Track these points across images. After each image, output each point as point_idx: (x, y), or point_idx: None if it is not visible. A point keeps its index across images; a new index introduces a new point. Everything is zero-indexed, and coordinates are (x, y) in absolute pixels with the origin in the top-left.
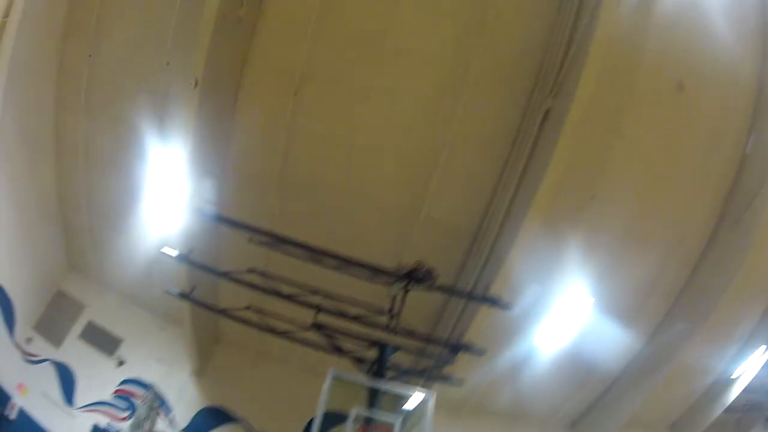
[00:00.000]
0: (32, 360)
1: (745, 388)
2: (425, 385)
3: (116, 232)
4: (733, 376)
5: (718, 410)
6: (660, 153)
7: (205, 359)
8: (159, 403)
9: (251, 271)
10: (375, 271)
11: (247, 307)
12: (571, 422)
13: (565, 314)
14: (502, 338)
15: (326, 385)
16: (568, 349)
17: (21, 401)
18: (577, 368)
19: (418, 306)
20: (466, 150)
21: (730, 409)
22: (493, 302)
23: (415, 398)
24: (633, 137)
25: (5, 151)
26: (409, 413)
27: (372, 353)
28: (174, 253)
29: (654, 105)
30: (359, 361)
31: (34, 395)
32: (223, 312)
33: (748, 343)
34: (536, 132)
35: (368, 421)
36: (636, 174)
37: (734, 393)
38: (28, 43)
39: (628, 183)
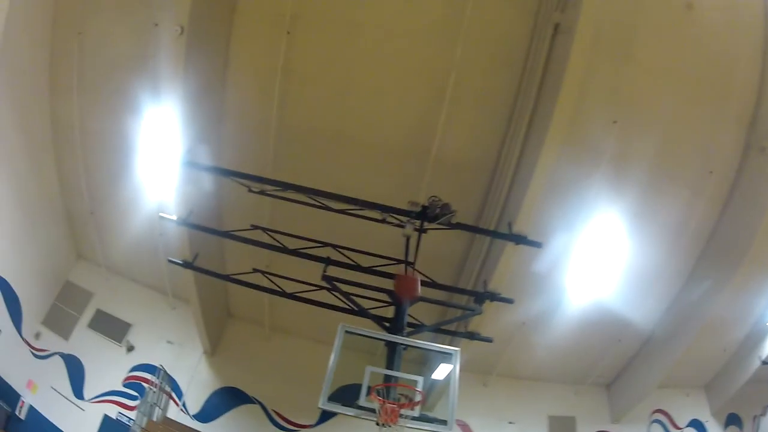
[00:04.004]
0: (41, 355)
1: None
2: (452, 344)
3: (117, 211)
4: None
5: (754, 364)
6: (677, 78)
7: (217, 337)
8: (170, 387)
9: (254, 227)
10: (386, 211)
11: (254, 270)
12: (607, 383)
13: (595, 258)
14: (530, 289)
15: (337, 341)
16: (600, 302)
17: (31, 399)
18: (610, 323)
19: (439, 256)
20: (474, 79)
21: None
22: (517, 239)
23: (439, 355)
24: (646, 61)
25: (5, 143)
26: (433, 370)
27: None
28: (173, 217)
29: (664, 26)
30: (380, 321)
31: (44, 391)
32: (228, 277)
33: None
34: (547, 51)
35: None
36: (656, 100)
37: None
38: (19, 32)
39: (650, 110)
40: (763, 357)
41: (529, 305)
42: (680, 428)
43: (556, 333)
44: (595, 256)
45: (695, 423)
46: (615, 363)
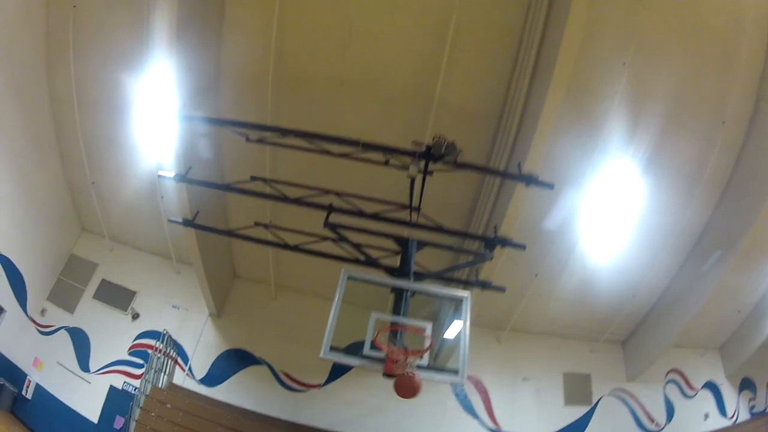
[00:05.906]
0: (46, 332)
1: None
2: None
3: (119, 179)
4: None
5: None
6: (689, 24)
7: (222, 299)
8: (175, 352)
9: (254, 179)
10: (389, 153)
11: (255, 224)
12: (621, 340)
13: (608, 207)
14: (542, 238)
15: (340, 287)
16: (614, 254)
17: (37, 377)
18: (624, 276)
19: (448, 201)
20: (477, 19)
21: None
22: (528, 179)
23: (451, 306)
24: (656, 4)
25: (5, 122)
26: (444, 322)
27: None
28: (171, 174)
29: None
30: (388, 270)
31: (50, 368)
32: (230, 233)
33: None
34: None
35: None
36: (667, 45)
37: None
38: (13, 13)
39: (661, 55)
40: None
41: (541, 255)
42: (695, 389)
43: (569, 285)
44: (608, 205)
45: (710, 385)
46: (630, 319)
